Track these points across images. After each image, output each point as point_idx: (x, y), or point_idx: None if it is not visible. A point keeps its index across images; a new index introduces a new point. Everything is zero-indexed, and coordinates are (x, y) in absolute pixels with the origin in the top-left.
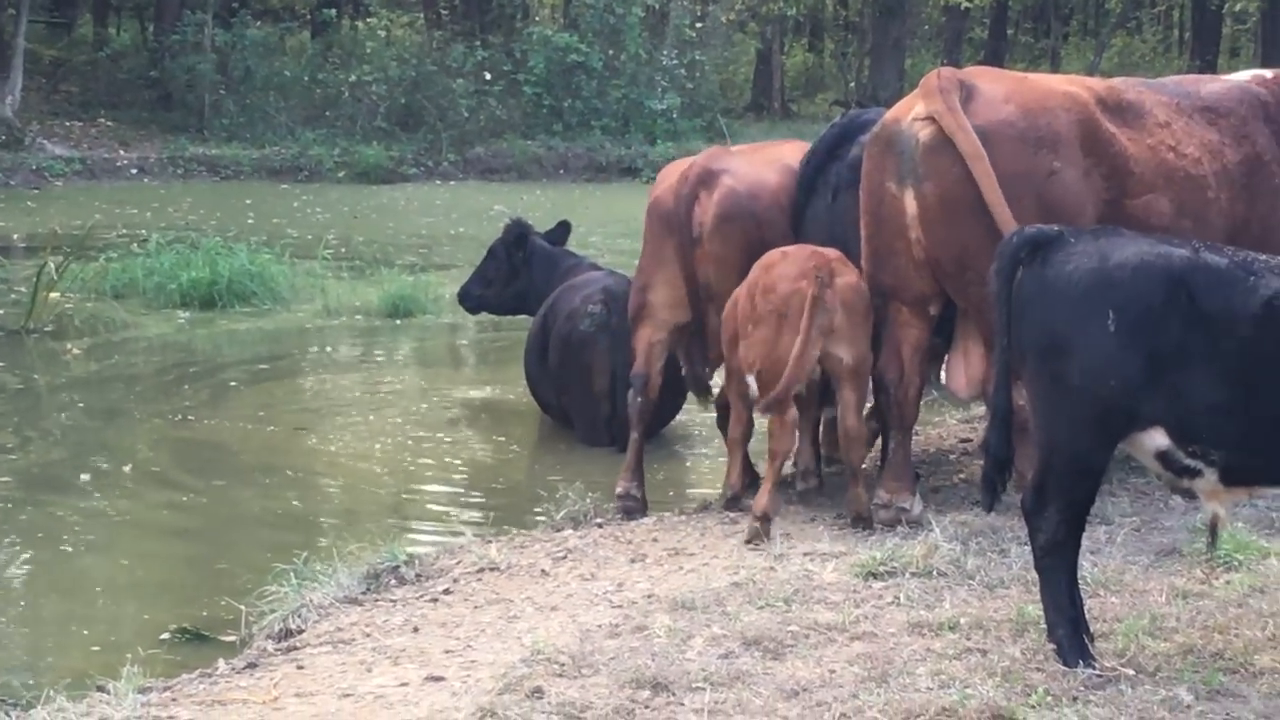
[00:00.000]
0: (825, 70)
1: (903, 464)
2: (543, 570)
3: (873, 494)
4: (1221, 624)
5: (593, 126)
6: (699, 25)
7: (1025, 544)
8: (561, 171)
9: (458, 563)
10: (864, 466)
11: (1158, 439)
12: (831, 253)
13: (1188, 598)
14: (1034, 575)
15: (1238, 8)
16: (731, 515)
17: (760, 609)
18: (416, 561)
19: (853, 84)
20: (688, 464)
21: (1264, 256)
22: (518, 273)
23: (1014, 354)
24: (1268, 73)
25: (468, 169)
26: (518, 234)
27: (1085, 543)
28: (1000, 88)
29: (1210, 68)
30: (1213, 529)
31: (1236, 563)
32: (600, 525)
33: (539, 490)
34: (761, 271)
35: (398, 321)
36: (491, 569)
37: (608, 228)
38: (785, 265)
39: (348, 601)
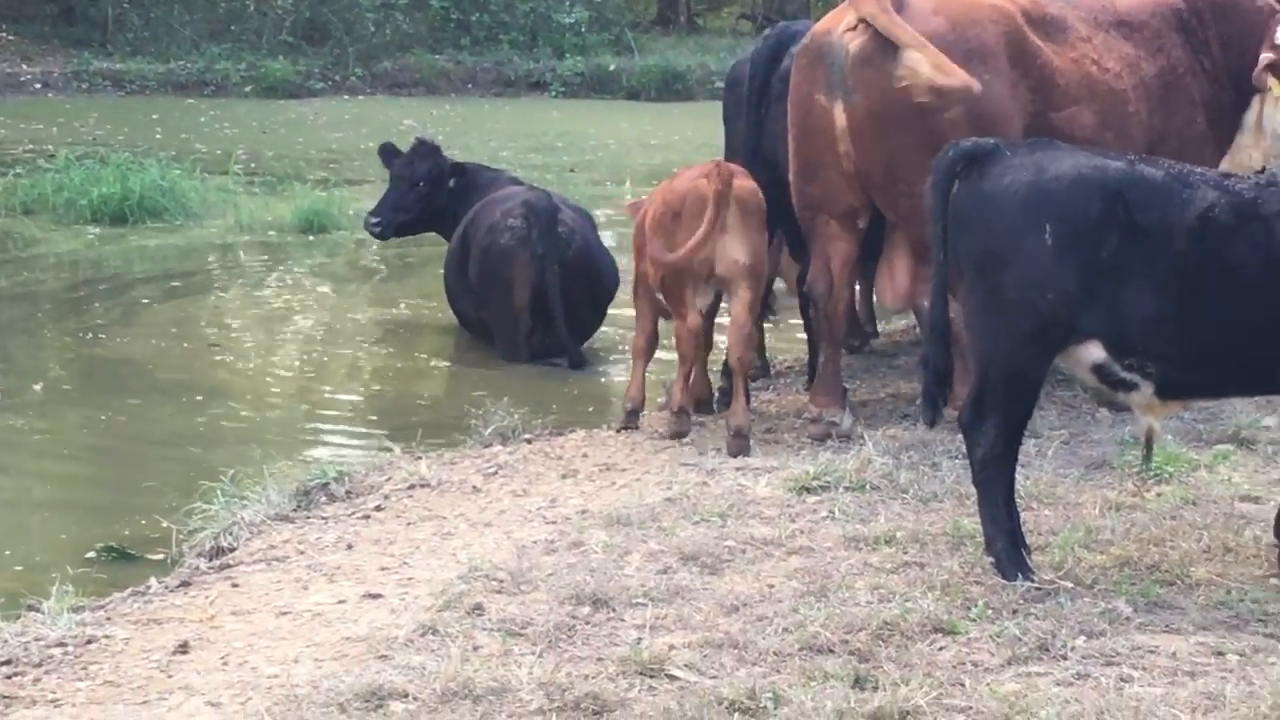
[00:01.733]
0: None
1: (833, 378)
2: (474, 487)
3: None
4: (1156, 536)
5: (500, 40)
6: None
7: (957, 458)
8: (469, 86)
9: (388, 479)
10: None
11: (1094, 352)
12: (732, 165)
13: (1121, 510)
14: (968, 489)
15: None
16: (660, 431)
17: (696, 524)
18: (346, 478)
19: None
20: (617, 379)
21: (1199, 169)
22: (434, 193)
23: (950, 268)
24: None
25: (375, 83)
26: (443, 162)
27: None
28: (929, 1)
29: None
30: (1148, 442)
31: (1167, 475)
32: (529, 441)
33: (464, 405)
34: (665, 181)
35: (311, 237)
36: (422, 485)
37: (518, 142)
38: (687, 171)
39: (279, 519)
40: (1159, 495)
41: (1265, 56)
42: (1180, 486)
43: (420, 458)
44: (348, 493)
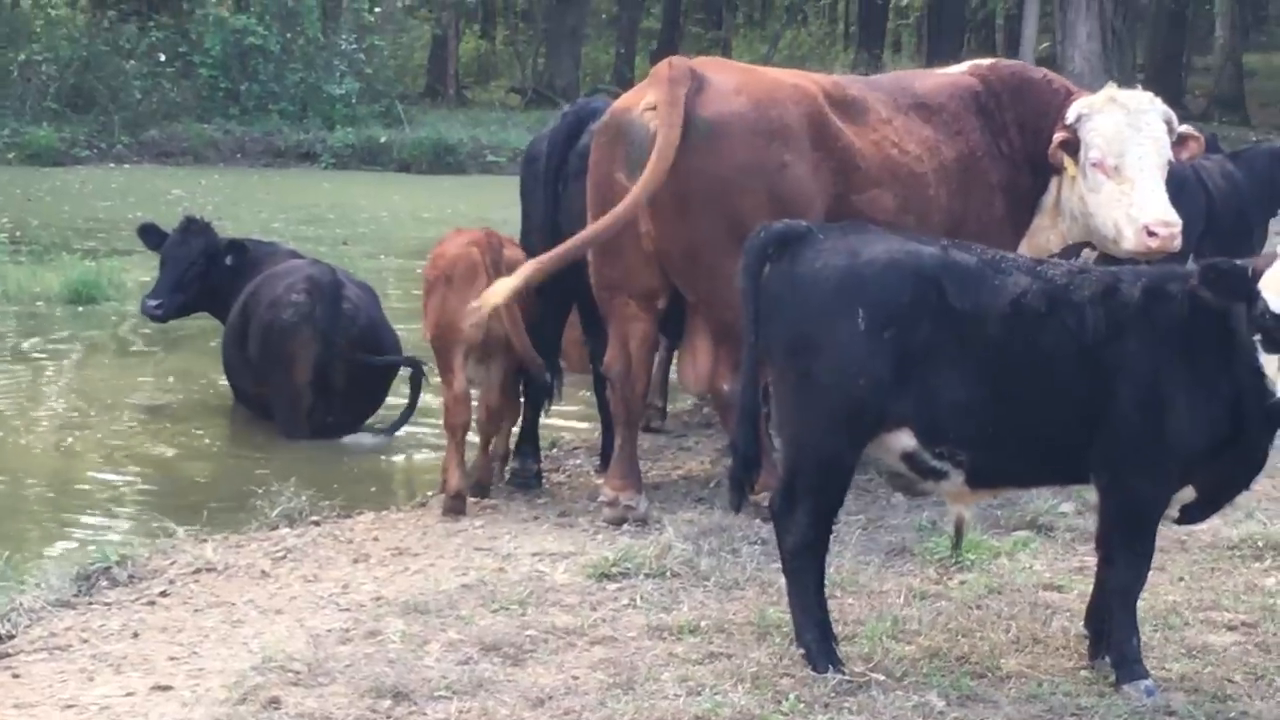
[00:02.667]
0: (499, 57)
1: (629, 460)
2: (263, 571)
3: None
4: (964, 626)
5: (270, 110)
6: (377, 10)
7: (756, 544)
8: (238, 156)
9: (172, 563)
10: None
11: (904, 440)
12: (500, 234)
13: (926, 598)
14: (770, 576)
15: (903, 3)
16: (471, 512)
17: (495, 612)
18: (129, 562)
19: (529, 71)
20: (397, 458)
21: (1011, 255)
22: (210, 272)
23: (761, 351)
24: (984, 62)
25: (142, 151)
26: (216, 240)
27: None
28: (731, 79)
29: (876, 61)
30: (958, 531)
31: (969, 562)
32: (317, 523)
33: (244, 486)
34: (436, 246)
35: (80, 308)
36: (208, 569)
37: (290, 214)
38: (456, 236)
39: (60, 604)
40: (962, 583)
41: (1059, 136)
42: (983, 574)
43: (205, 540)
44: (130, 577)
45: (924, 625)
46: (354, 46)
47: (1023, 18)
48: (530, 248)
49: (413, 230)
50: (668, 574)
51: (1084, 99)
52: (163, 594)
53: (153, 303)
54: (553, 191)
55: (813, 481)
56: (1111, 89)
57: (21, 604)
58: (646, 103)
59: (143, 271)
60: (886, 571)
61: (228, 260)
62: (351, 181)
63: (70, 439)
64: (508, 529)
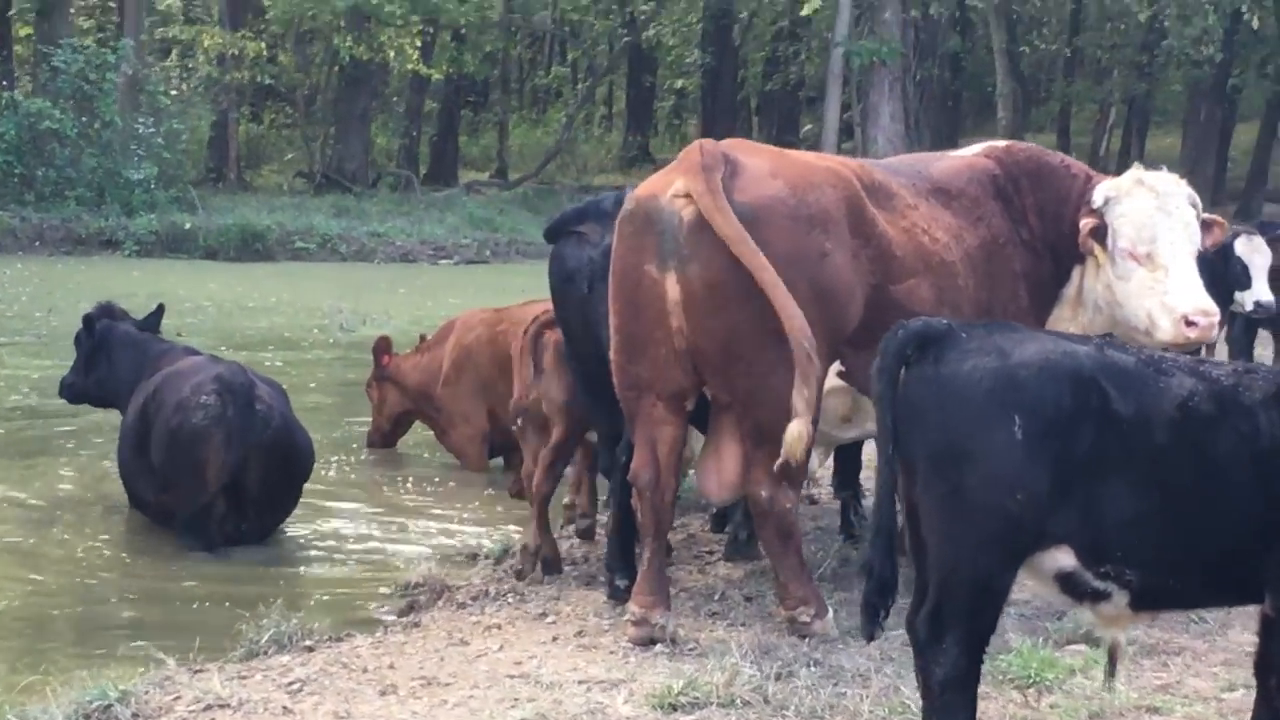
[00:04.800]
0: (267, 141)
1: (658, 574)
2: (284, 708)
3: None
4: None
5: (67, 196)
6: (174, 93)
7: (812, 666)
8: (37, 243)
9: (176, 699)
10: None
11: (1062, 559)
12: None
13: None
14: (851, 705)
15: (678, 84)
16: (460, 630)
17: None
18: (131, 699)
19: (318, 156)
20: (335, 568)
21: (1168, 355)
22: (95, 361)
23: (902, 463)
24: (999, 144)
25: None
26: (90, 319)
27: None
28: (765, 162)
29: (646, 143)
30: (1112, 659)
31: (1047, 682)
32: (311, 649)
33: (178, 604)
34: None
35: None
36: (220, 706)
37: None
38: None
39: None
40: (1053, 707)
41: (1087, 222)
42: (1068, 697)
43: (200, 671)
44: (135, 716)
45: None
46: (152, 130)
47: (825, 100)
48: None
49: (244, 320)
50: (737, 703)
51: (1110, 182)
52: None
53: (62, 381)
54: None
55: (964, 606)
56: (1138, 170)
57: None
58: (676, 189)
59: None
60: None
61: (90, 337)
62: (160, 269)
63: None
64: (529, 651)
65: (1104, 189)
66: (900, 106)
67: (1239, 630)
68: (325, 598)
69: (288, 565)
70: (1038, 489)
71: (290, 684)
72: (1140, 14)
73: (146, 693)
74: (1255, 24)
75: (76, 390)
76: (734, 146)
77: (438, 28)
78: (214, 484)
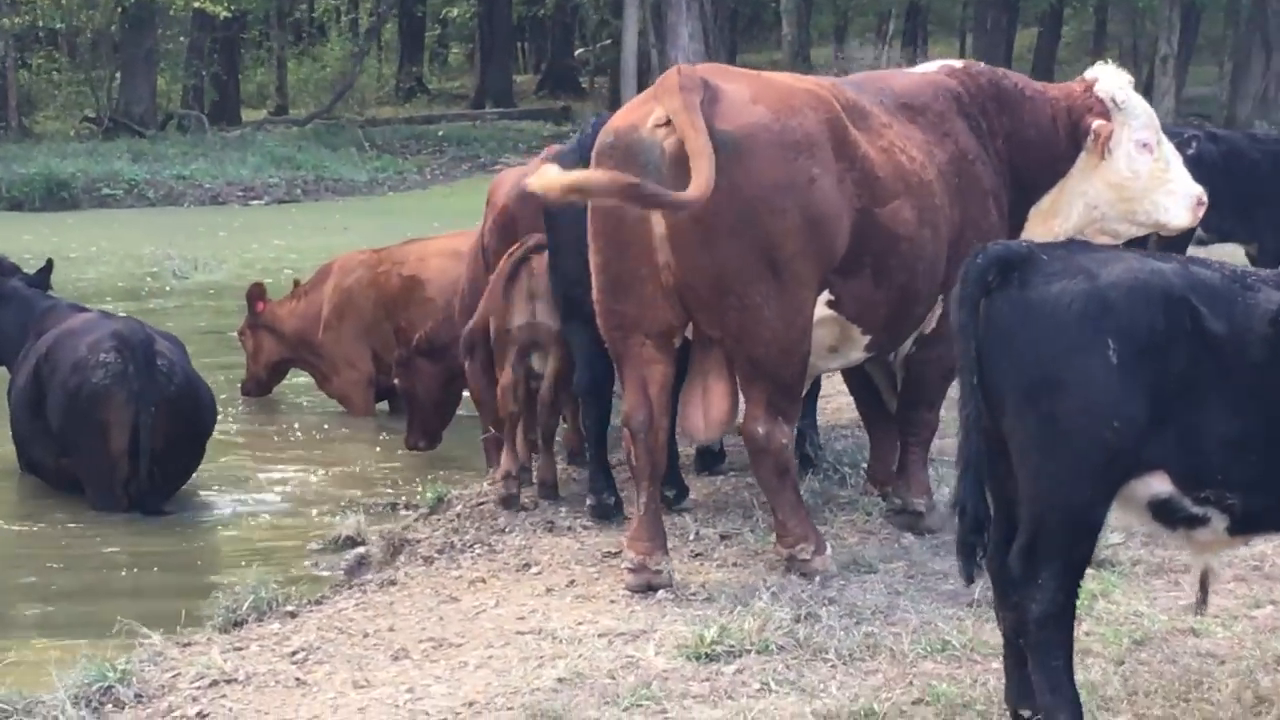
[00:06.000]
0: (36, 86)
1: (654, 518)
2: (296, 679)
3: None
4: (1168, 689)
5: None
6: None
7: (828, 605)
8: None
9: (175, 675)
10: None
11: (1157, 486)
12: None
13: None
14: (886, 643)
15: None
16: (444, 586)
17: (629, 711)
18: (132, 678)
19: (103, 100)
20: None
21: (1248, 268)
22: None
23: (987, 394)
24: (955, 64)
25: None
26: None
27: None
28: (744, 88)
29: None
30: (1203, 586)
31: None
32: (294, 614)
33: (107, 570)
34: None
35: None
36: (227, 680)
37: None
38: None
39: None
40: (1089, 634)
41: (1101, 123)
42: (1102, 623)
43: (188, 645)
44: (138, 696)
45: (1124, 692)
46: None
47: (624, 21)
48: (562, 270)
49: (71, 272)
50: (772, 648)
51: (1111, 81)
52: (200, 716)
53: None
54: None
55: (1059, 540)
56: (1112, 68)
57: None
58: (656, 117)
59: None
60: (986, 625)
61: None
62: None
63: None
64: (528, 605)
65: (1112, 90)
66: (699, 25)
67: None
68: (257, 557)
69: (204, 525)
70: (1134, 415)
71: (293, 654)
72: None
73: (143, 670)
74: None
75: None
76: (711, 71)
77: None
78: (118, 445)
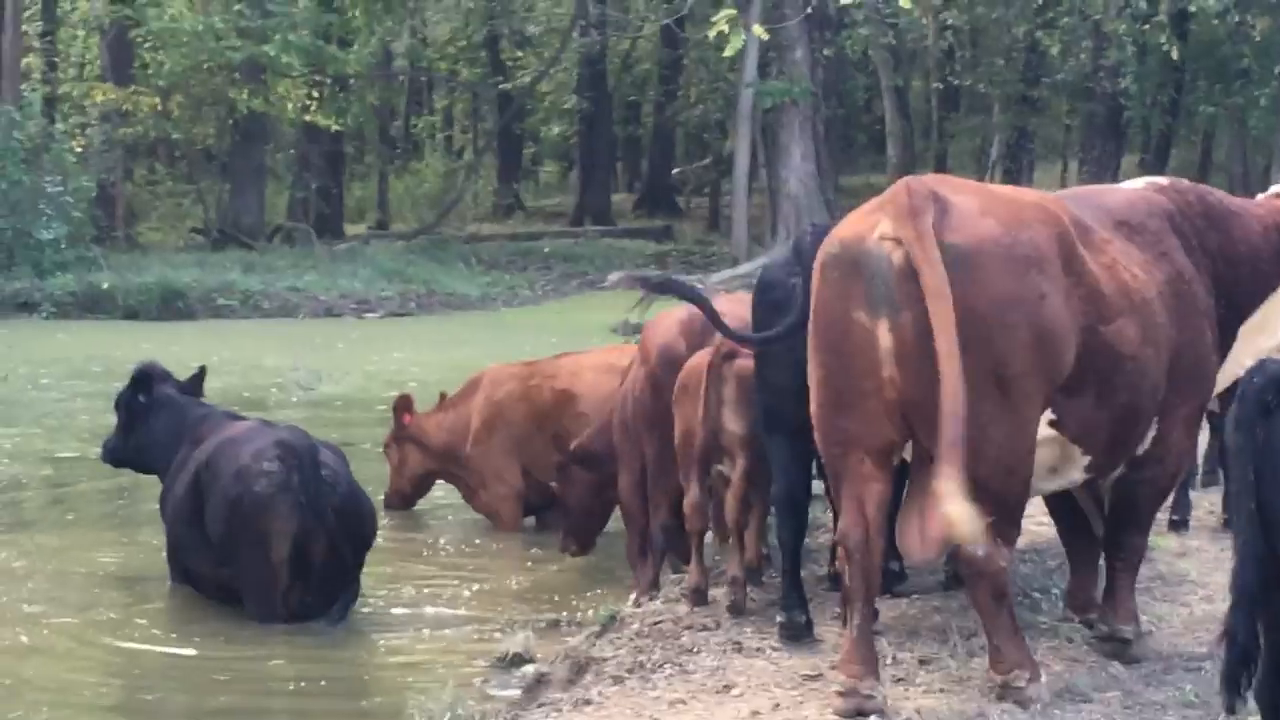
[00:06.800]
0: (144, 198)
1: (866, 641)
2: None
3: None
4: None
5: None
6: (79, 150)
7: None
8: None
9: None
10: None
11: None
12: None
13: None
14: None
15: (553, 132)
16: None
17: None
18: None
19: (211, 213)
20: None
21: None
22: (134, 424)
23: (1265, 519)
24: (1162, 180)
25: None
26: (146, 378)
27: None
28: (974, 200)
29: (516, 191)
30: None
31: None
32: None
33: (273, 683)
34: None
35: None
36: None
37: (50, 369)
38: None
39: None
40: None
41: None
42: None
43: None
44: None
45: None
46: (59, 189)
47: (736, 141)
48: (768, 381)
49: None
50: None
51: None
52: None
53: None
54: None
55: None
56: None
57: None
58: (882, 230)
59: None
60: None
61: (140, 399)
62: (85, 331)
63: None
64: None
65: None
66: (811, 146)
67: None
68: (425, 674)
69: (366, 639)
70: None
71: None
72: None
73: None
74: (1175, 54)
75: (117, 454)
76: (939, 183)
77: (328, 79)
78: (280, 555)
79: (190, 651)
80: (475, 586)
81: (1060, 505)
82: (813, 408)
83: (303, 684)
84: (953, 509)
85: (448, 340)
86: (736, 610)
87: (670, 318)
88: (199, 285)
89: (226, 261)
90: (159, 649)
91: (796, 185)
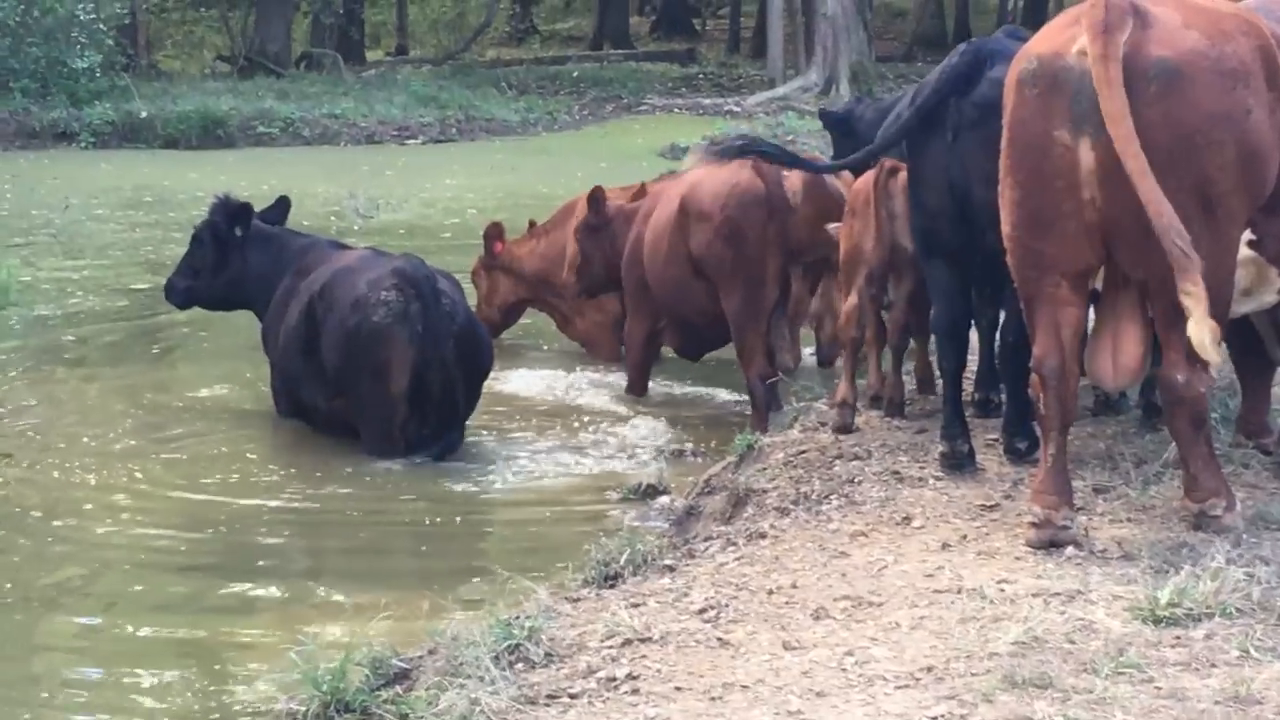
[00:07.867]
0: (161, 25)
1: (1060, 472)
2: (718, 639)
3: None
4: None
5: (11, 89)
6: None
7: (1265, 564)
8: None
9: (582, 634)
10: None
11: None
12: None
13: None
14: None
15: None
16: (822, 539)
17: (1111, 678)
18: (538, 635)
19: (237, 39)
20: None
21: None
22: (228, 259)
23: None
24: None
25: None
26: (232, 212)
27: None
28: (1175, 12)
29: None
30: None
31: None
32: (671, 568)
33: (409, 520)
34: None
35: None
36: (641, 640)
37: (101, 198)
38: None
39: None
40: None
41: None
42: None
43: (575, 600)
44: (548, 655)
45: None
46: (93, 16)
47: None
48: (923, 203)
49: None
50: (1232, 612)
51: None
52: (630, 678)
53: (170, 283)
54: (921, 138)
55: None
56: None
57: (488, 705)
58: (1081, 45)
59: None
60: None
61: (236, 231)
62: (127, 161)
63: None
64: (932, 562)
65: None
66: None
67: None
68: (565, 507)
69: (491, 474)
70: None
71: (700, 611)
72: None
73: (546, 626)
74: None
75: (195, 293)
76: None
77: None
78: (397, 386)
79: (314, 491)
80: (585, 418)
81: (1234, 329)
82: (1005, 230)
83: (438, 519)
84: (1196, 329)
85: (496, 166)
86: (844, 430)
87: (716, 175)
88: (237, 113)
89: (258, 90)
90: (268, 493)
91: (834, 4)
